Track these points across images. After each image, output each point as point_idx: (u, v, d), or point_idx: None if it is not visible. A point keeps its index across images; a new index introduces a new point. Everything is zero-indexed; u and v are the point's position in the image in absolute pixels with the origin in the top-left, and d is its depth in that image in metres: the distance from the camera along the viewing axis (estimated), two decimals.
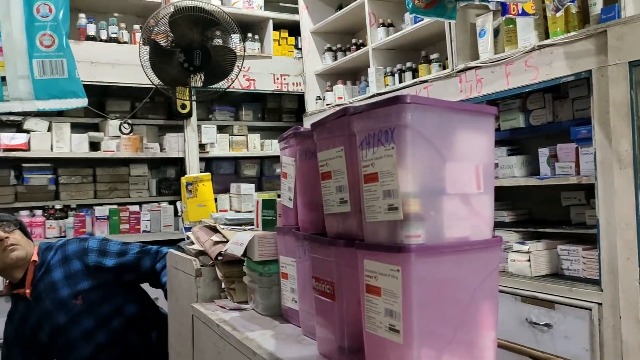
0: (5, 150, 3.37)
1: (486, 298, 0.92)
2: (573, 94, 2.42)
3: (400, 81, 3.34)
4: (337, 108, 3.73)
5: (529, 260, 2.34)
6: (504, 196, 2.78)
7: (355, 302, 0.96)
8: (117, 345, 2.21)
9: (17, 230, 2.16)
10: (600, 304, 2.04)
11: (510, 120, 2.63)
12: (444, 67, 3.02)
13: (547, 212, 2.68)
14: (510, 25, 2.41)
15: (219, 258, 1.61)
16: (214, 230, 1.78)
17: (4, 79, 0.92)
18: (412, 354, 0.84)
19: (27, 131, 3.50)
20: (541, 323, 2.21)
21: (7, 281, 2.23)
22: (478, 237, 0.92)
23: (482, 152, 0.93)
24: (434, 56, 3.12)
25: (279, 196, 1.47)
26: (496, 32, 2.52)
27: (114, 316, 2.21)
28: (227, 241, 1.61)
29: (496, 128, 2.70)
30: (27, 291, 2.15)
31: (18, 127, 3.53)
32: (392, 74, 3.44)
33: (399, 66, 3.42)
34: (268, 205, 1.53)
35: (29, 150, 3.46)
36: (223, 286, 1.63)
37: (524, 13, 2.05)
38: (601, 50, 2.01)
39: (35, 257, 2.18)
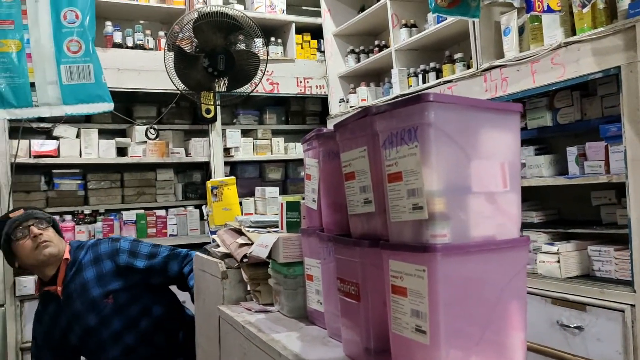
0: (35, 156, 3.45)
1: (514, 298, 0.90)
2: (602, 91, 2.37)
3: (424, 82, 3.32)
4: None
5: (558, 262, 2.29)
6: (532, 196, 2.73)
7: (381, 303, 0.95)
8: (145, 346, 2.23)
9: (50, 227, 2.17)
10: (633, 305, 1.99)
11: (537, 118, 2.59)
12: (469, 67, 2.99)
13: (577, 212, 2.62)
14: (536, 23, 2.38)
15: (244, 260, 1.62)
16: (239, 232, 1.79)
17: (33, 84, 0.94)
18: (439, 354, 0.83)
19: (57, 138, 3.57)
20: (572, 325, 2.17)
21: (38, 279, 2.25)
22: (505, 236, 0.90)
23: (507, 150, 0.92)
24: (457, 56, 3.09)
25: (303, 198, 1.47)
26: (521, 29, 2.48)
27: (142, 317, 2.22)
28: (252, 243, 1.62)
29: (523, 127, 2.67)
30: (59, 288, 2.15)
31: (48, 134, 3.60)
32: (416, 75, 3.42)
33: (422, 67, 3.39)
34: (292, 207, 1.53)
35: (58, 156, 3.54)
36: (249, 288, 1.64)
37: (550, 10, 2.02)
38: (630, 45, 1.96)
39: (67, 255, 2.18)
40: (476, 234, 0.88)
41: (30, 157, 3.44)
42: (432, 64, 3.32)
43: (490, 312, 0.88)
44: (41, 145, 3.47)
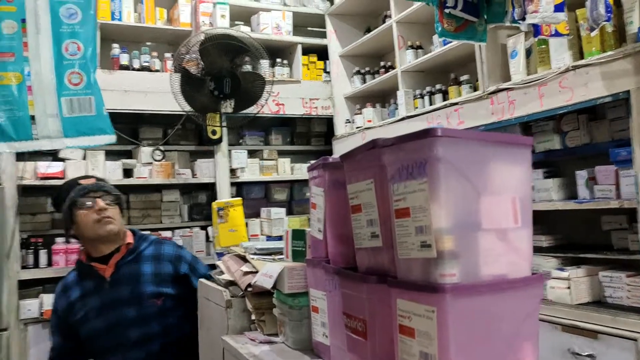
0: (42, 178, 3.45)
1: (527, 338, 0.87)
2: (611, 114, 2.34)
3: (430, 104, 3.31)
4: (367, 131, 3.71)
5: (569, 288, 2.25)
6: (541, 220, 2.70)
7: (389, 341, 0.92)
8: (166, 358, 2.12)
9: (116, 205, 2.07)
10: None
11: (545, 142, 2.56)
12: (475, 89, 2.97)
13: (587, 237, 2.58)
14: (543, 46, 2.36)
15: (249, 289, 1.59)
16: (244, 259, 1.76)
17: (33, 117, 0.93)
18: None
19: (63, 159, 3.57)
20: (584, 354, 2.11)
21: (84, 251, 2.11)
22: (516, 274, 0.87)
23: (518, 184, 0.90)
24: (464, 78, 3.08)
25: (309, 222, 1.44)
26: (528, 52, 2.47)
27: (172, 330, 2.12)
28: (257, 272, 1.59)
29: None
30: (109, 270, 2.04)
31: (54, 156, 3.61)
32: (422, 97, 3.41)
33: (428, 88, 3.38)
34: (298, 235, 1.50)
35: (64, 178, 3.53)
36: (253, 317, 1.61)
37: (557, 34, 2.01)
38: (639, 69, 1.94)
39: (130, 240, 2.10)
40: (487, 273, 0.85)
41: (36, 179, 3.44)
42: (438, 86, 3.31)
43: (502, 353, 0.85)
44: (47, 167, 3.47)
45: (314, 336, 1.34)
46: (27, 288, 3.31)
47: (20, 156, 3.28)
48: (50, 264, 3.45)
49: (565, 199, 2.48)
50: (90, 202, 1.98)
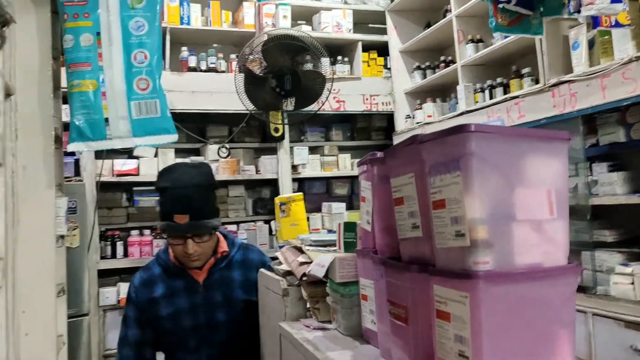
0: (118, 175, 3.70)
1: (561, 326, 0.90)
2: None
3: (491, 97, 3.27)
4: (427, 126, 3.71)
5: (632, 283, 2.19)
6: (605, 214, 2.63)
7: (429, 327, 0.98)
8: None
9: (209, 237, 2.03)
10: None
11: (609, 134, 2.49)
12: (537, 82, 2.92)
13: None
14: (606, 37, 2.30)
15: (304, 278, 1.67)
16: (300, 251, 1.85)
17: (107, 120, 1.05)
18: None
19: (137, 157, 3.81)
20: None
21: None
22: (551, 263, 0.90)
23: (554, 177, 0.92)
24: (525, 70, 3.03)
25: None
26: (591, 44, 2.41)
27: (253, 334, 2.16)
28: (312, 262, 1.67)
29: (594, 143, 2.58)
30: (203, 275, 2.06)
31: (129, 154, 3.85)
32: (482, 90, 3.38)
33: (489, 82, 3.35)
34: (349, 228, 1.57)
35: (138, 174, 3.77)
36: (308, 305, 1.69)
37: (618, 24, 1.96)
38: None
39: (225, 248, 2.11)
40: (521, 262, 0.88)
41: (113, 175, 3.69)
42: (498, 79, 3.27)
43: (536, 340, 0.88)
44: (123, 164, 3.71)
45: (364, 323, 1.40)
46: (105, 277, 3.57)
47: (99, 155, 3.54)
48: (126, 254, 3.69)
49: (630, 192, 2.41)
50: (179, 242, 1.98)
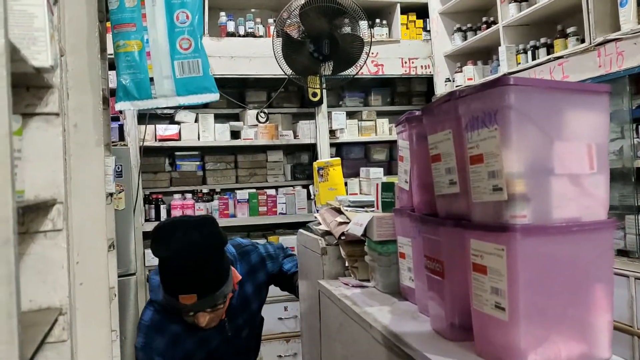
0: (160, 140, 3.79)
1: (598, 279, 0.90)
2: None
3: (534, 58, 3.18)
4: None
5: None
6: None
7: (464, 280, 0.99)
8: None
9: (223, 303, 1.87)
10: None
11: None
12: (583, 41, 2.82)
13: None
14: None
15: (342, 238, 1.71)
16: (339, 211, 1.88)
17: (152, 79, 1.08)
18: (518, 331, 0.86)
19: (178, 122, 3.89)
20: None
21: None
22: (590, 217, 0.90)
23: (594, 132, 0.91)
24: (570, 30, 2.93)
25: None
26: None
27: (259, 326, 2.26)
28: (350, 222, 1.70)
29: None
30: (225, 318, 1.95)
31: (170, 119, 3.93)
32: (525, 52, 3.29)
33: (532, 43, 3.25)
34: (387, 188, 1.59)
35: (179, 139, 3.85)
36: (346, 264, 1.73)
37: None
38: None
39: (238, 276, 1.99)
40: (559, 216, 0.89)
41: (155, 140, 3.78)
42: (542, 40, 3.17)
43: (573, 292, 0.89)
44: (165, 129, 3.80)
45: (402, 280, 1.43)
46: (150, 238, 3.70)
47: (142, 120, 3.63)
48: (169, 217, 3.81)
49: None
50: (189, 317, 1.82)
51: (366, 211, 1.79)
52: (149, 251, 3.55)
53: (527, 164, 0.87)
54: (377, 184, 1.64)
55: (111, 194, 1.34)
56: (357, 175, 4.32)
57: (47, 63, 0.61)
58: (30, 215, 0.64)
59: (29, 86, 0.66)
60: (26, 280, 0.65)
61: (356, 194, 4.21)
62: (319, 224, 1.97)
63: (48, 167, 0.65)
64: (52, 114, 0.67)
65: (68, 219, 0.89)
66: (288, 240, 3.50)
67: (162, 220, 3.76)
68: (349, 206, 1.87)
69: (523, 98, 0.86)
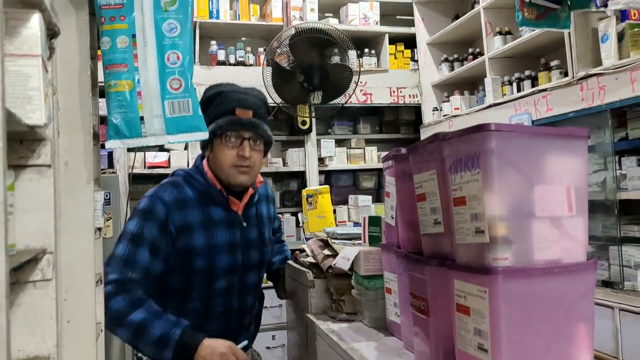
0: (150, 167, 3.79)
1: (580, 320, 0.92)
2: None
3: (519, 90, 3.25)
4: (454, 119, 3.69)
5: None
6: (633, 209, 2.60)
7: (449, 320, 1.01)
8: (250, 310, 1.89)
9: (262, 151, 1.80)
10: None
11: (639, 128, 2.46)
12: (566, 74, 2.89)
13: None
14: (636, 29, 2.27)
15: (330, 271, 1.71)
16: (327, 244, 1.89)
17: (142, 118, 1.10)
18: None
19: (168, 150, 3.90)
20: None
21: (208, 166, 1.78)
22: (570, 259, 0.92)
23: (573, 175, 0.94)
24: (554, 63, 3.00)
25: None
26: (620, 36, 2.38)
27: (261, 298, 1.99)
28: (338, 255, 1.71)
29: (623, 137, 2.55)
30: (242, 207, 1.79)
31: (160, 147, 3.94)
32: (510, 83, 3.35)
33: (517, 75, 3.32)
34: (374, 222, 1.61)
35: (169, 167, 3.86)
36: (334, 297, 1.73)
37: None
38: None
39: (261, 178, 1.89)
40: (540, 258, 0.91)
41: (145, 167, 3.79)
42: (527, 72, 3.24)
43: (555, 333, 0.91)
44: (154, 157, 3.81)
45: (388, 315, 1.44)
46: None
47: (131, 148, 3.64)
48: None
49: None
50: (235, 142, 1.72)
51: (354, 244, 1.81)
52: None
53: (508, 207, 0.89)
54: (365, 218, 1.66)
55: (99, 229, 1.34)
56: (345, 202, 4.36)
57: (41, 121, 0.63)
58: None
59: (23, 139, 0.68)
60: (16, 331, 0.65)
61: (345, 221, 4.24)
62: (307, 255, 1.98)
63: (39, 218, 0.66)
64: (44, 165, 0.68)
65: (57, 256, 0.90)
66: None
67: None
68: (336, 238, 1.88)
69: (504, 143, 0.88)
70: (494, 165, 0.88)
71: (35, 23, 0.68)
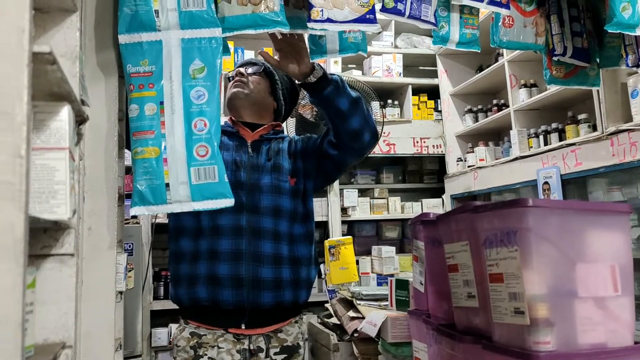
0: None
1: None
2: None
3: (546, 143, 3.20)
4: (479, 170, 3.63)
5: None
6: None
7: None
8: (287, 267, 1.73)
9: (260, 77, 1.84)
10: None
11: None
12: (595, 128, 2.84)
13: None
14: None
15: (355, 335, 1.66)
16: (351, 305, 1.84)
17: (167, 185, 1.09)
18: None
19: None
20: None
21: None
22: (617, 343, 0.87)
23: (617, 252, 0.89)
24: (582, 116, 2.96)
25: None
26: None
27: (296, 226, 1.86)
28: (363, 317, 1.66)
29: None
30: (253, 137, 1.80)
31: None
32: (537, 136, 3.31)
33: (543, 127, 3.28)
34: (401, 286, 1.55)
35: None
36: None
37: None
38: None
39: (280, 128, 1.91)
40: (584, 342, 0.85)
41: (166, 217, 3.79)
42: (554, 125, 3.20)
43: None
44: None
45: None
46: (157, 318, 3.63)
47: None
48: None
49: None
50: (234, 73, 1.87)
51: (379, 305, 1.75)
52: (156, 331, 3.48)
53: (549, 286, 0.84)
54: (391, 280, 1.61)
55: (121, 292, 1.32)
56: (369, 253, 4.30)
57: (65, 216, 0.61)
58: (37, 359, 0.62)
59: (47, 229, 0.66)
60: None
61: (368, 272, 4.16)
62: (331, 315, 1.92)
63: (59, 310, 0.64)
64: (67, 254, 0.66)
65: (77, 323, 0.87)
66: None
67: (169, 299, 3.70)
68: (361, 299, 1.83)
69: (542, 219, 0.84)
70: (533, 242, 0.84)
71: (64, 116, 0.68)
